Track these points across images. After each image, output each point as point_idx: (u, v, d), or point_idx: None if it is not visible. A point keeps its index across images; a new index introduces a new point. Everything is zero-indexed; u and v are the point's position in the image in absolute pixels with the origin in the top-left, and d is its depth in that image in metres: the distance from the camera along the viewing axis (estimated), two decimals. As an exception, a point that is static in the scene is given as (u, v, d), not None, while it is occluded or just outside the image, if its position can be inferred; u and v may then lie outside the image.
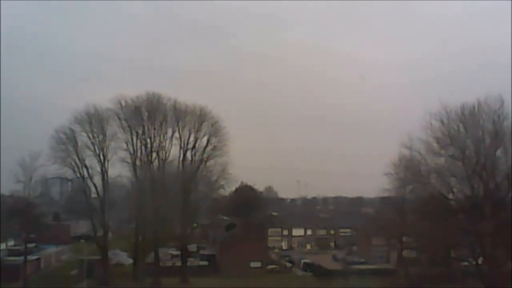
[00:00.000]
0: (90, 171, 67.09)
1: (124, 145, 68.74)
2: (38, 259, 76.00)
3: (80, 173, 66.89)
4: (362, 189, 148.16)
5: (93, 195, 68.33)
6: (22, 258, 64.99)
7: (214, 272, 74.29)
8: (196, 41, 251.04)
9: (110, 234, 70.46)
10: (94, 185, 67.82)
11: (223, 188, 77.82)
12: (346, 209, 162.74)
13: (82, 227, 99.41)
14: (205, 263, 79.51)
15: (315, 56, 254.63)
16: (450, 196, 48.83)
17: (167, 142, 70.44)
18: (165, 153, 70.54)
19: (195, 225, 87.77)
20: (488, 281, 44.72)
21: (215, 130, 71.59)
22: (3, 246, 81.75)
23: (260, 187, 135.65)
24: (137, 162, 69.13)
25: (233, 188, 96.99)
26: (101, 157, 66.88)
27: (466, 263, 49.93)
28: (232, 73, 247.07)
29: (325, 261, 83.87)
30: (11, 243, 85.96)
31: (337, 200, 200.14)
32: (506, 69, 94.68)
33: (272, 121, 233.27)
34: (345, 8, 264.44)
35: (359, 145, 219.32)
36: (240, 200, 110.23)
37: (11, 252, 79.90)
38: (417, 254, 59.26)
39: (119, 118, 68.40)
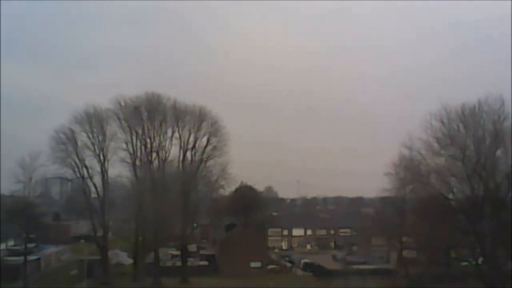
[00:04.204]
0: (90, 171, 67.13)
1: (124, 145, 68.78)
2: (38, 259, 75.87)
3: (80, 173, 66.87)
4: (362, 189, 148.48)
5: (93, 195, 68.17)
6: (22, 258, 64.90)
7: (214, 272, 74.30)
8: (196, 41, 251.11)
9: (110, 234, 70.36)
10: (94, 185, 67.78)
11: (223, 188, 77.93)
12: (346, 209, 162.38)
13: (82, 227, 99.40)
14: (205, 263, 79.49)
15: (315, 55, 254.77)
16: (450, 196, 48.87)
17: (167, 142, 70.51)
18: (165, 153, 70.56)
19: (195, 225, 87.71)
20: (488, 281, 44.72)
21: (215, 130, 71.68)
22: (3, 246, 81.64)
23: (260, 187, 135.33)
24: (137, 162, 69.06)
25: (233, 188, 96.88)
26: (101, 157, 66.88)
27: (466, 263, 49.89)
28: (232, 73, 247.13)
29: (325, 261, 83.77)
30: (11, 243, 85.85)
31: (337, 200, 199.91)
32: (506, 69, 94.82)
33: (272, 121, 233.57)
34: (345, 7, 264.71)
35: (359, 144, 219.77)
36: (240, 200, 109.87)
37: (11, 252, 79.85)
38: (417, 254, 59.12)
39: (118, 118, 68.41)
